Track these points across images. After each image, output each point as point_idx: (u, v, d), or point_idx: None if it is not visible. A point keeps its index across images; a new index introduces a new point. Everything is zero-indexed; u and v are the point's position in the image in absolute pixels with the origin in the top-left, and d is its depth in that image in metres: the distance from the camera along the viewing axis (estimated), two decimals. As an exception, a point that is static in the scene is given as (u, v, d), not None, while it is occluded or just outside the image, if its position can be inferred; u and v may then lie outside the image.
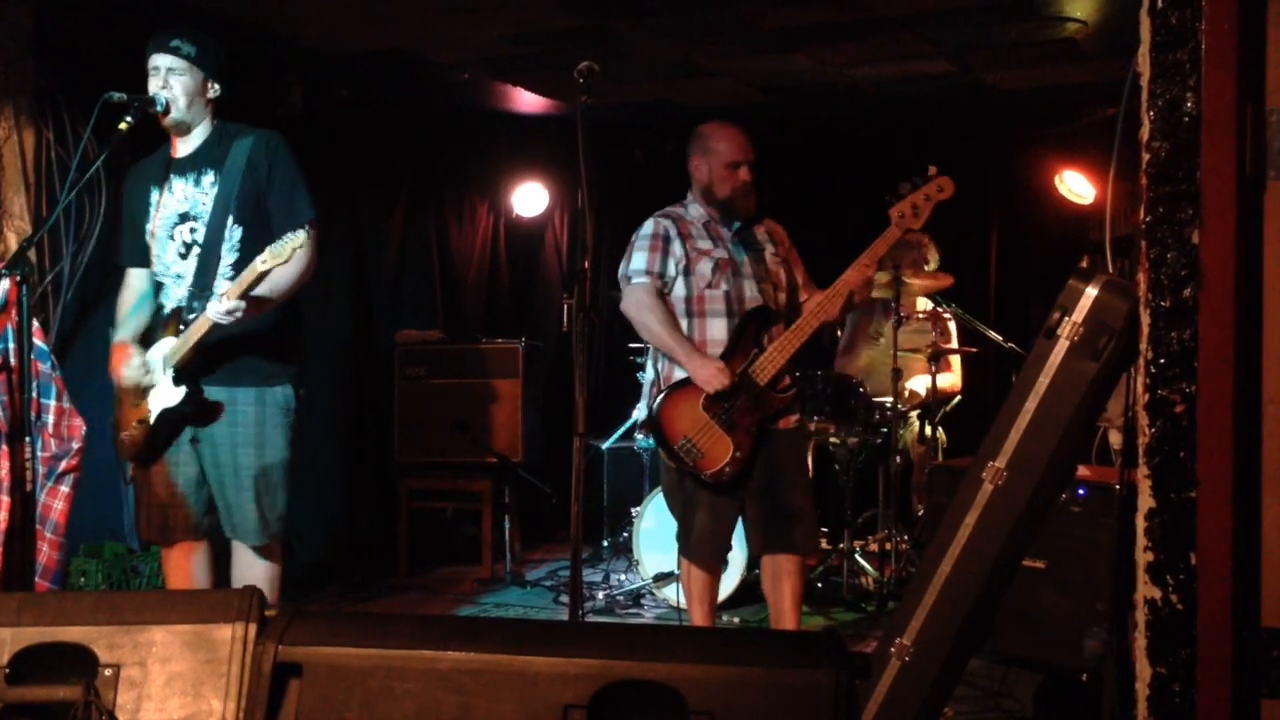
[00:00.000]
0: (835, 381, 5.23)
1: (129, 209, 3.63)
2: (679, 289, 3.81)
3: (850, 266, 3.73)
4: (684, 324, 3.79)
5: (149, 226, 3.52)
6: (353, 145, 6.19)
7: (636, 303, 3.80)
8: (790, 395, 3.77)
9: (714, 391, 3.64)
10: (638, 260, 3.81)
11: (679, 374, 3.75)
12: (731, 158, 3.82)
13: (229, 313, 3.26)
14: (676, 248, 3.80)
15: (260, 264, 3.21)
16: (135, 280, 3.63)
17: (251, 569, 3.51)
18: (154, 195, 3.53)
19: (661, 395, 3.75)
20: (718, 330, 3.76)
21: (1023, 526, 2.45)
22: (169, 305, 3.50)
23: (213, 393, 3.44)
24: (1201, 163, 1.92)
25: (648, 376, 3.97)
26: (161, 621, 2.13)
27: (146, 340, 3.55)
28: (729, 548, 3.88)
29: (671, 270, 3.80)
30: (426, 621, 2.94)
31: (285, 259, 3.20)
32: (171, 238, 3.49)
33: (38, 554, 3.54)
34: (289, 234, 3.20)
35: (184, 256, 3.48)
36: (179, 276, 3.48)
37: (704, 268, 3.77)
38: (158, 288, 3.56)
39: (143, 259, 3.59)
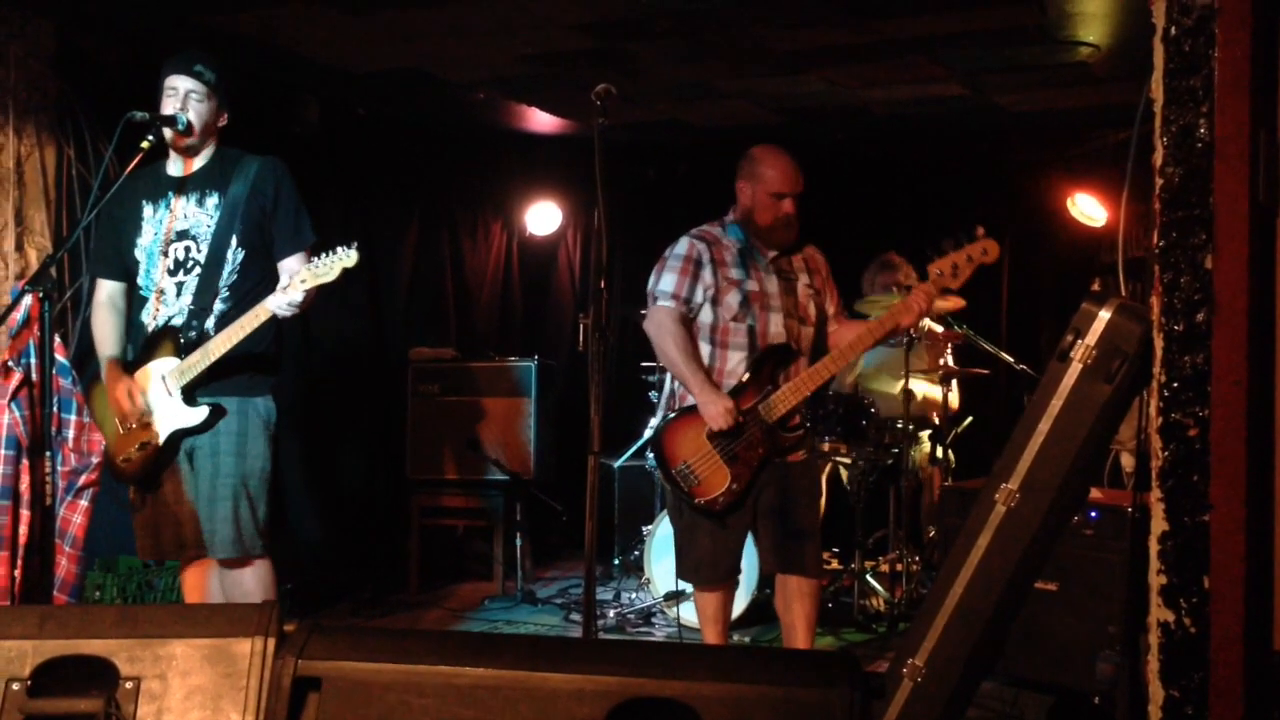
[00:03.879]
0: (846, 402, 5.23)
1: (112, 220, 3.61)
2: (705, 316, 3.76)
3: (878, 321, 3.69)
4: (705, 350, 3.76)
5: (141, 241, 3.54)
6: (368, 163, 6.24)
7: (658, 325, 3.75)
8: (797, 436, 3.73)
9: (717, 430, 3.61)
10: (666, 281, 3.76)
11: (692, 399, 3.72)
12: (777, 188, 3.75)
13: (291, 304, 3.32)
14: (707, 274, 3.74)
15: (300, 282, 3.30)
16: (110, 294, 3.62)
17: (241, 587, 3.47)
18: (148, 210, 3.54)
19: (668, 418, 3.75)
20: (737, 363, 3.72)
21: (1035, 548, 2.46)
22: (151, 322, 3.50)
23: (200, 399, 3.45)
24: (1215, 188, 1.93)
25: (665, 390, 3.93)
26: (182, 635, 2.15)
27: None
28: (736, 569, 3.85)
29: (699, 297, 3.74)
30: (445, 637, 2.96)
31: (333, 278, 3.28)
32: (165, 254, 3.50)
33: (56, 568, 3.57)
34: (339, 252, 3.28)
35: (173, 273, 3.49)
36: (165, 293, 3.49)
37: (732, 299, 3.72)
38: (140, 303, 3.55)
39: (120, 271, 3.59)
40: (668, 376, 3.92)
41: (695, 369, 3.69)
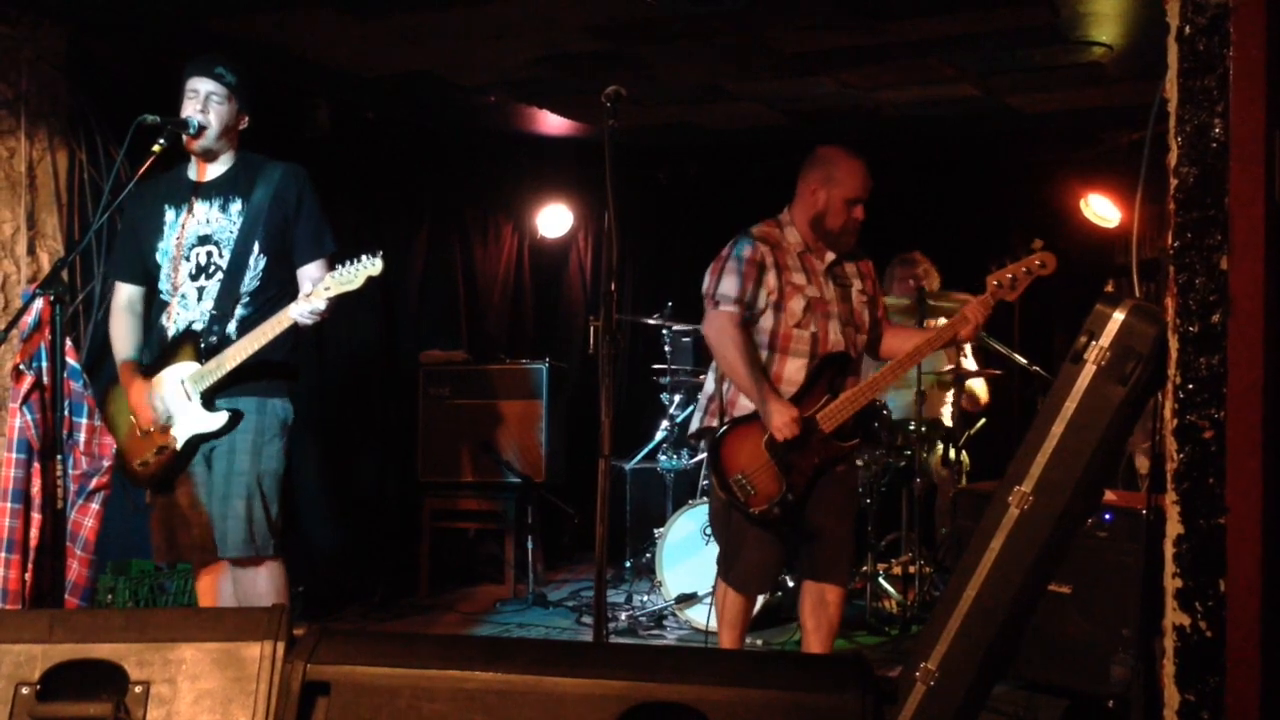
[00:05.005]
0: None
1: (133, 224, 3.62)
2: (766, 321, 3.66)
3: (936, 332, 3.69)
4: (763, 356, 3.66)
5: (161, 244, 3.54)
6: (378, 167, 6.25)
7: (718, 330, 3.63)
8: (853, 445, 3.66)
9: (782, 440, 3.52)
10: (727, 284, 3.63)
11: (743, 402, 3.64)
12: (853, 194, 3.70)
13: (313, 312, 3.33)
14: (771, 278, 3.63)
15: (324, 289, 3.31)
16: (129, 296, 3.64)
17: (254, 587, 3.48)
18: (170, 214, 3.55)
19: (727, 427, 3.64)
20: (796, 371, 3.64)
21: (1049, 551, 2.45)
22: (172, 326, 3.50)
23: (218, 403, 3.45)
24: (1230, 189, 1.92)
25: (707, 390, 3.81)
26: (191, 639, 2.15)
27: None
28: (778, 579, 3.82)
29: (761, 302, 3.64)
30: (454, 641, 2.95)
31: (357, 287, 3.30)
32: (187, 258, 3.51)
33: (68, 571, 3.57)
34: (364, 260, 3.29)
35: (195, 278, 3.50)
36: (185, 297, 3.50)
37: (796, 305, 3.63)
38: (159, 307, 3.56)
39: (141, 275, 3.60)
40: (710, 378, 3.82)
41: (759, 376, 3.59)
